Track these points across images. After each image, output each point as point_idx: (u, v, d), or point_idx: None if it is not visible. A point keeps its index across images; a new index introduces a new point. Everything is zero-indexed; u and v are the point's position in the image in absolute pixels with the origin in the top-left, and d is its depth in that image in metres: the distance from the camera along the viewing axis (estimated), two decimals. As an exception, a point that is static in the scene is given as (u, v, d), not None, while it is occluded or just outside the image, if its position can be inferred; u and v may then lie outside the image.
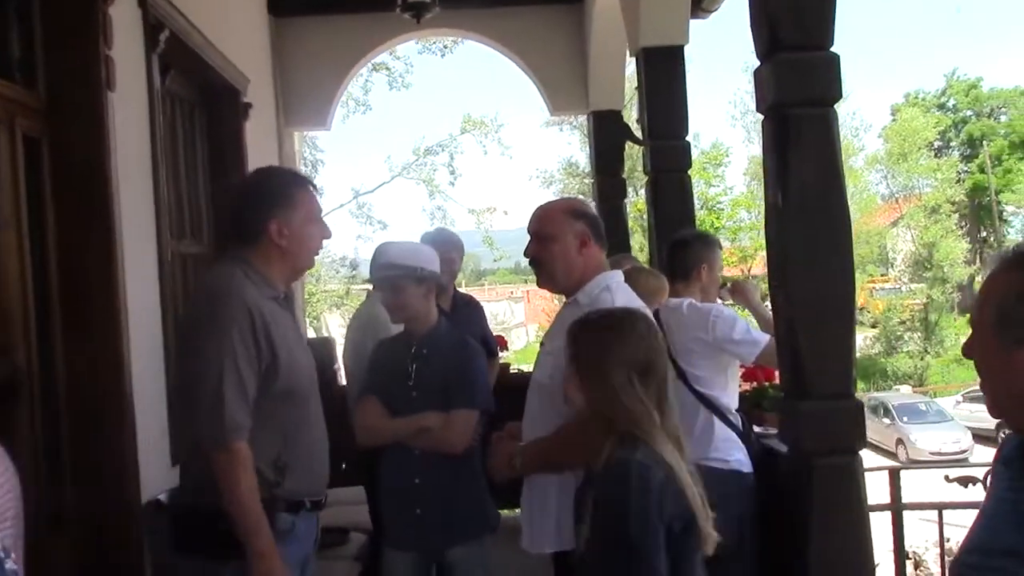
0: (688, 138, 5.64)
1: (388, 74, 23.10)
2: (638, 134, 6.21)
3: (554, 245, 2.93)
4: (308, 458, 2.75)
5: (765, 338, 3.71)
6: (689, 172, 5.75)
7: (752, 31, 3.32)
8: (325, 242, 2.87)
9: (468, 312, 5.22)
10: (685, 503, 2.06)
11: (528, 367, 5.82)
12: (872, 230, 38.32)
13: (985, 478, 3.87)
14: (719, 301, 4.23)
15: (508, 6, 7.61)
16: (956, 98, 50.35)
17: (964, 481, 3.88)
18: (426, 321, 3.54)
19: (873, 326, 37.32)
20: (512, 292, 59.43)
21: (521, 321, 52.37)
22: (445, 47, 21.75)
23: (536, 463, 2.83)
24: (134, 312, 3.67)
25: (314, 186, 2.85)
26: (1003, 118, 49.91)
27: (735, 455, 3.75)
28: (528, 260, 3.02)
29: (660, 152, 5.53)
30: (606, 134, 7.59)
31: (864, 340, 35.63)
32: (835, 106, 3.23)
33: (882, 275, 41.68)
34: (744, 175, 38.51)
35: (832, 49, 3.19)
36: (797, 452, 3.32)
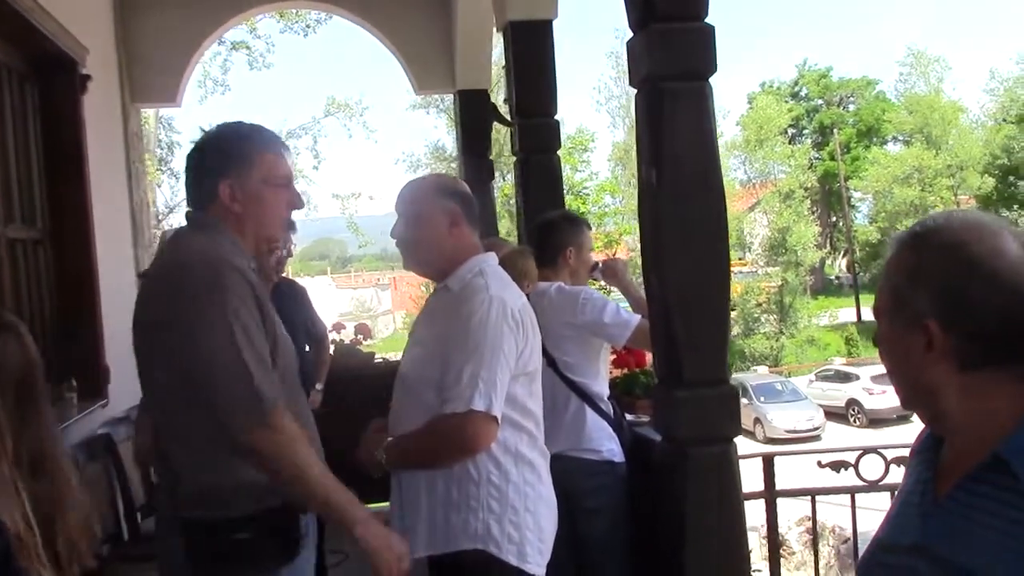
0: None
1: (248, 53, 22.32)
2: (506, 115, 6.05)
3: (422, 225, 2.69)
4: (320, 451, 2.43)
5: (636, 319, 3.58)
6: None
7: (625, 0, 3.17)
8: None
9: (289, 297, 4.89)
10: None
11: (396, 355, 5.60)
12: (731, 215, 39.34)
13: (856, 462, 3.88)
14: (592, 285, 4.10)
15: (369, -22, 7.31)
16: (808, 87, 52.45)
17: (836, 466, 3.88)
18: None
19: (732, 309, 38.47)
20: (379, 279, 58.93)
21: (388, 308, 51.95)
22: (308, 27, 21.11)
23: (400, 459, 2.62)
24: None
25: (284, 148, 2.49)
26: (851, 107, 52.28)
27: (607, 444, 3.63)
28: (395, 242, 2.78)
29: (529, 131, 5.35)
30: (472, 114, 7.40)
31: (724, 322, 36.66)
32: (710, 80, 3.11)
33: (740, 259, 43.06)
34: (609, 160, 39.12)
35: (707, 20, 3.07)
36: (671, 441, 3.22)
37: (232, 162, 2.36)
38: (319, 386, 5.21)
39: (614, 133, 39.33)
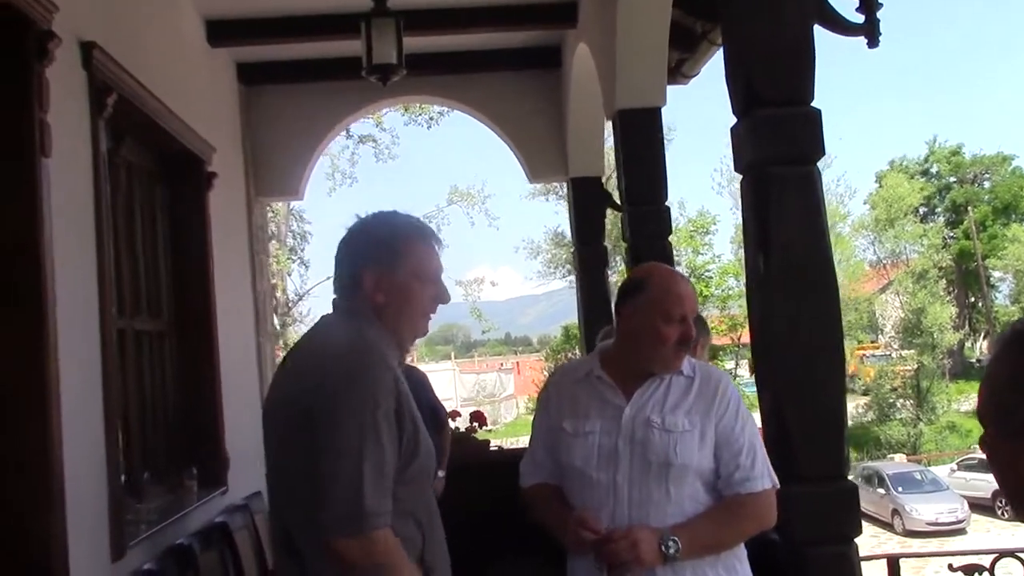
0: (670, 204, 5.44)
1: (375, 146, 23.21)
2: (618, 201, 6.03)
3: None
4: (445, 555, 2.34)
5: None
6: (671, 239, 5.54)
7: (728, 86, 3.11)
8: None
9: (414, 382, 4.85)
10: None
11: (516, 442, 5.48)
12: (861, 296, 38.34)
13: (992, 566, 3.58)
14: None
15: (483, 72, 7.49)
16: (939, 164, 50.84)
17: (969, 570, 3.58)
18: None
19: (865, 393, 37.02)
20: (502, 364, 59.07)
21: (511, 393, 51.91)
22: (431, 118, 21.83)
23: (707, 546, 2.55)
24: (69, 394, 3.42)
25: (437, 241, 2.41)
26: (986, 184, 50.38)
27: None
28: (682, 342, 2.66)
29: (639, 218, 5.32)
30: (586, 201, 7.42)
31: (856, 408, 35.27)
32: (818, 164, 3.01)
33: (872, 342, 41.55)
34: (731, 243, 38.62)
35: (813, 104, 2.98)
36: (789, 541, 3.03)
37: (380, 251, 2.30)
38: (441, 473, 5.18)
39: (736, 215, 38.95)
